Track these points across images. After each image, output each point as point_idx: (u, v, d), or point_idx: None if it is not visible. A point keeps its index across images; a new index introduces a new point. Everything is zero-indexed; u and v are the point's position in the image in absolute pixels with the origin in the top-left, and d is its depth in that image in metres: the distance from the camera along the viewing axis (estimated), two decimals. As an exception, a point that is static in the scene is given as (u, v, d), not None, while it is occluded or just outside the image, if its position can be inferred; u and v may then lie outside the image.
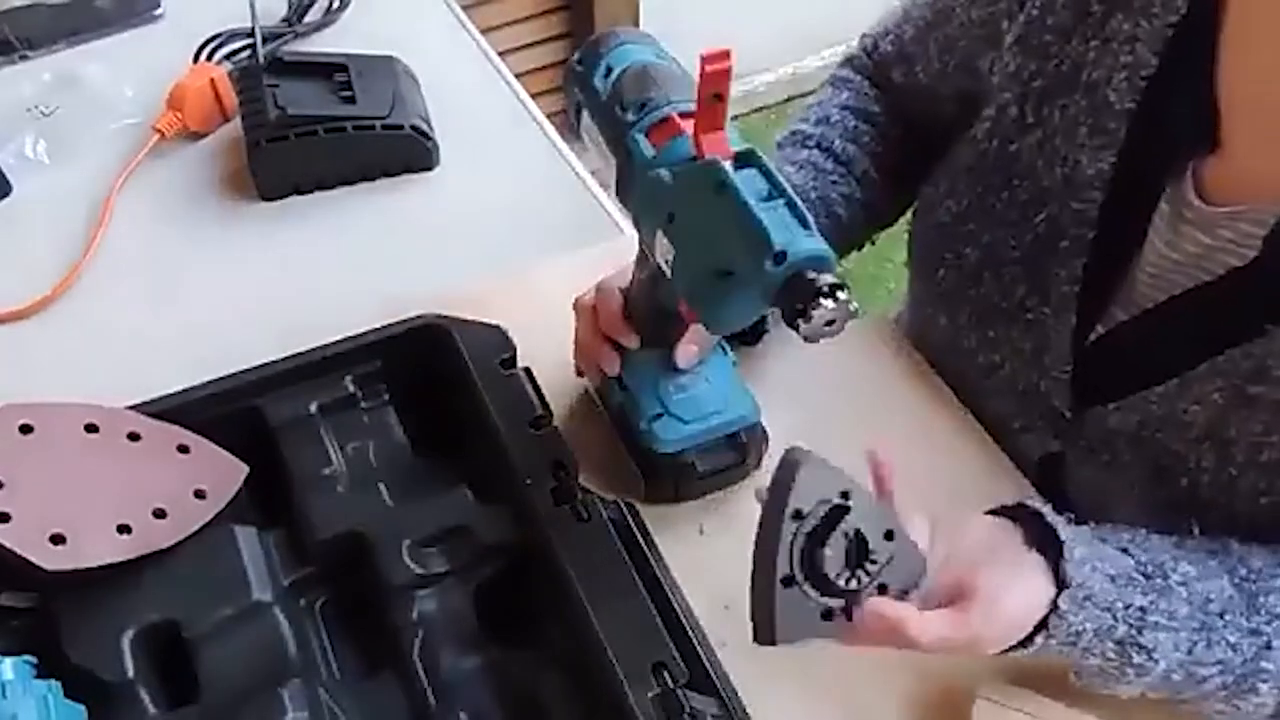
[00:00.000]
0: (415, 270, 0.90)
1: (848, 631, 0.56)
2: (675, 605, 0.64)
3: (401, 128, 0.96)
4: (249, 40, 1.01)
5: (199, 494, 0.67)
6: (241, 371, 0.73)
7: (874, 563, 0.55)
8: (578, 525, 0.66)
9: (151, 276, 0.91)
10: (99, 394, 0.70)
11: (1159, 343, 0.67)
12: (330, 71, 0.97)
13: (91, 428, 0.67)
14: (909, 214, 0.86)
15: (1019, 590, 0.58)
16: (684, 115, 0.60)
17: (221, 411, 0.72)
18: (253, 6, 1.00)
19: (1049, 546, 0.60)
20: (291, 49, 1.05)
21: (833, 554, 0.54)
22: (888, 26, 0.86)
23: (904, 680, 0.67)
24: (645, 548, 0.67)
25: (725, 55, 0.53)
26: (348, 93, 0.96)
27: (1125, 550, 0.61)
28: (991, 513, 0.64)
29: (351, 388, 0.75)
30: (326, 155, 0.95)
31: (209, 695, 0.62)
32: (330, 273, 0.91)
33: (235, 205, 0.96)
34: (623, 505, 0.69)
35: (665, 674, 0.60)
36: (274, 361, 0.73)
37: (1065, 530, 0.60)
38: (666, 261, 0.60)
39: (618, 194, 0.65)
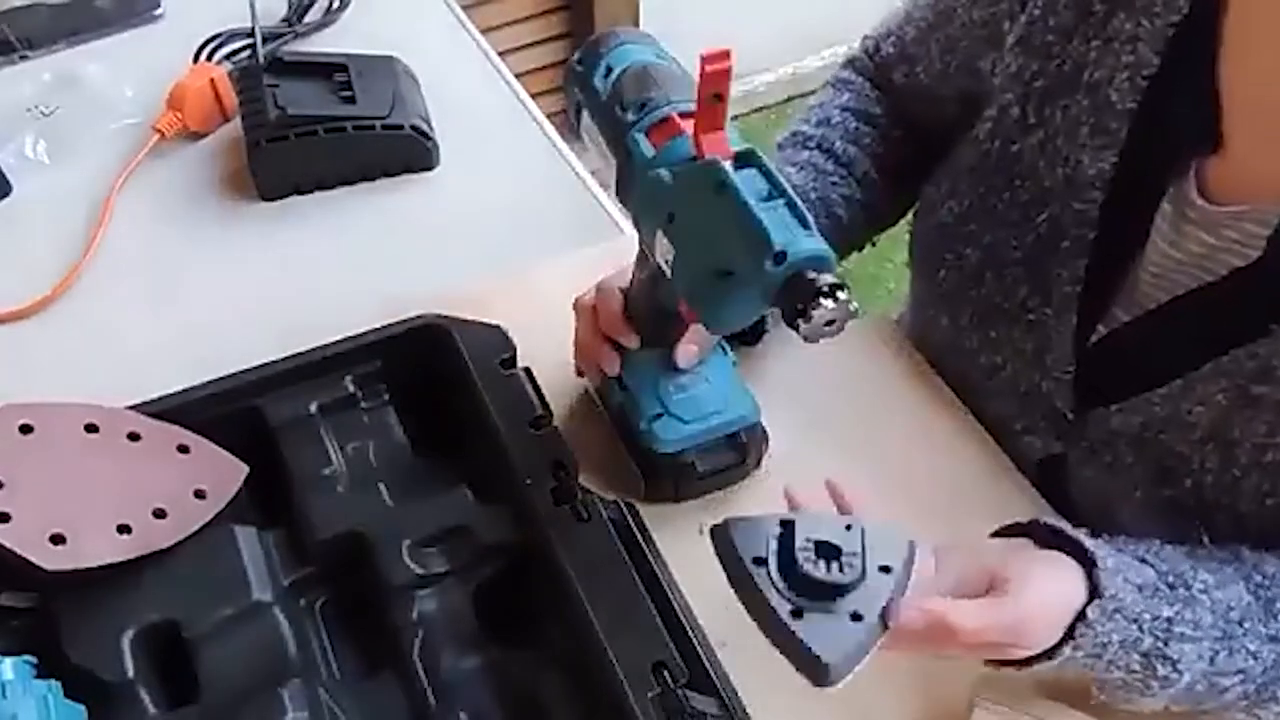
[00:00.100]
0: (415, 270, 0.90)
1: (891, 636, 0.55)
2: (675, 605, 0.64)
3: (401, 128, 0.96)
4: (249, 40, 1.01)
5: (199, 494, 0.67)
6: (241, 371, 0.73)
7: (851, 552, 0.55)
8: (578, 525, 0.66)
9: (151, 276, 0.91)
10: (99, 394, 0.70)
11: (1162, 343, 0.67)
12: (330, 71, 0.97)
13: (91, 428, 0.67)
14: (910, 215, 0.86)
15: (1053, 575, 0.58)
16: (684, 115, 0.60)
17: (221, 411, 0.72)
18: (253, 6, 1.00)
19: (1074, 556, 0.59)
20: (291, 49, 1.05)
21: (810, 566, 0.54)
22: (889, 28, 0.86)
23: (904, 683, 0.67)
24: (645, 548, 0.67)
25: (725, 55, 0.53)
26: (348, 93, 0.96)
27: (1144, 560, 0.60)
28: (1000, 532, 0.63)
29: (351, 388, 0.75)
30: (326, 155, 0.95)
31: (209, 695, 0.62)
32: (330, 273, 0.91)
33: (235, 205, 0.96)
34: (623, 505, 0.69)
35: (665, 674, 0.60)
36: (274, 361, 0.73)
37: (1090, 541, 0.59)
38: (666, 261, 0.60)
39: (618, 194, 0.65)
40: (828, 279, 0.49)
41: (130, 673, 0.62)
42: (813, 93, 0.90)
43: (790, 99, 2.44)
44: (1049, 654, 0.58)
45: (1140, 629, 0.58)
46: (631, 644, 0.61)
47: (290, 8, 1.09)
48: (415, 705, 0.63)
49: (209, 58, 1.03)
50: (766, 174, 0.55)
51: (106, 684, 0.61)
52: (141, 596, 0.64)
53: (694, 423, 0.72)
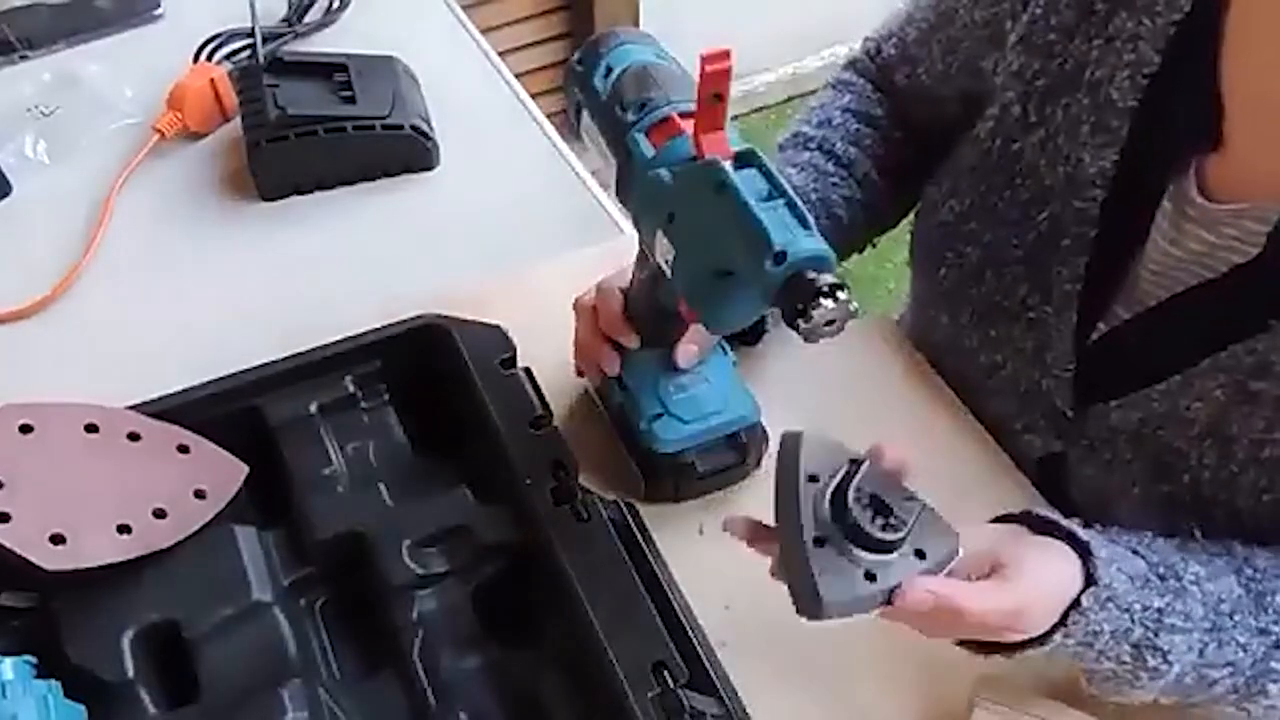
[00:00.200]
0: (415, 270, 0.90)
1: (897, 609, 0.55)
2: (675, 605, 0.64)
3: (401, 128, 0.96)
4: (249, 40, 1.01)
5: (199, 494, 0.67)
6: (241, 371, 0.73)
7: (901, 520, 0.54)
8: (578, 525, 0.66)
9: (151, 276, 0.91)
10: (99, 394, 0.70)
11: (1161, 340, 0.67)
12: (330, 71, 0.97)
13: (91, 428, 0.67)
14: (910, 215, 0.86)
15: (1053, 560, 0.58)
16: (684, 115, 0.60)
17: (221, 411, 0.72)
18: (253, 6, 1.00)
19: (1069, 544, 0.60)
20: (291, 49, 1.05)
21: (858, 509, 0.53)
22: (890, 29, 0.86)
23: (904, 680, 0.67)
24: (645, 548, 0.67)
25: (725, 55, 0.53)
26: (348, 93, 0.96)
27: (1136, 552, 0.61)
28: (994, 522, 0.63)
29: (351, 388, 0.75)
30: (326, 155, 0.95)
31: (209, 695, 0.62)
32: (330, 273, 0.91)
33: (235, 205, 0.96)
34: (623, 505, 0.69)
35: (665, 674, 0.60)
36: (274, 361, 0.73)
37: (1083, 531, 0.60)
38: (666, 261, 0.60)
39: (618, 194, 0.65)
40: (828, 279, 0.49)
41: (130, 673, 0.62)
42: (813, 93, 0.90)
43: (790, 99, 2.43)
44: (1040, 640, 0.58)
45: (1131, 619, 0.58)
46: (631, 644, 0.61)
47: (290, 8, 1.09)
48: (415, 705, 0.63)
49: (209, 58, 1.03)
50: (766, 174, 0.55)
51: (106, 684, 0.61)
52: (141, 596, 0.64)
53: (694, 423, 0.72)
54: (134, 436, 0.68)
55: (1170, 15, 0.64)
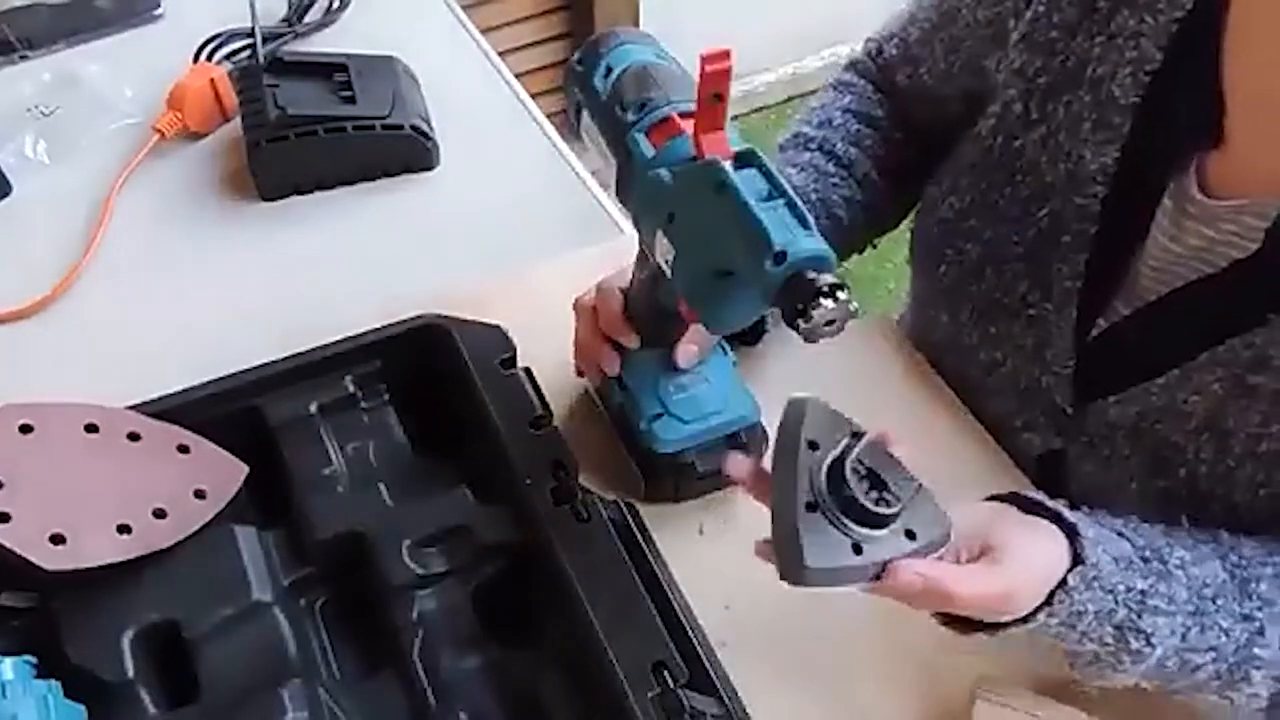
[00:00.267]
0: (415, 270, 0.90)
1: (886, 585, 0.54)
2: (675, 605, 0.64)
3: (401, 128, 0.96)
4: (249, 40, 1.01)
5: (199, 494, 0.67)
6: (241, 371, 0.73)
7: (895, 497, 0.54)
8: (578, 525, 0.66)
9: (151, 276, 0.91)
10: (99, 394, 0.70)
11: (1160, 335, 0.68)
12: (330, 71, 0.97)
13: (91, 428, 0.67)
14: (910, 215, 0.86)
15: (1041, 541, 0.58)
16: (684, 115, 0.60)
17: (221, 411, 0.72)
18: (253, 6, 1.00)
19: (1056, 524, 0.59)
20: (291, 49, 1.05)
21: (854, 480, 0.53)
22: (892, 30, 0.86)
23: (904, 680, 0.67)
24: (645, 548, 0.67)
25: (725, 55, 0.53)
26: (348, 93, 0.96)
27: (1121, 534, 0.61)
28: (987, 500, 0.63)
29: (351, 388, 0.75)
30: (326, 155, 0.95)
31: (209, 695, 0.62)
32: (330, 273, 0.91)
33: (235, 205, 0.96)
34: (623, 505, 0.69)
35: (665, 674, 0.60)
36: (274, 361, 0.73)
37: (1071, 513, 0.60)
38: (666, 261, 0.60)
39: (618, 194, 0.65)
40: (828, 279, 0.49)
41: (130, 673, 0.62)
42: (813, 93, 0.90)
43: (790, 99, 2.44)
44: (1025, 619, 0.58)
45: (1115, 600, 0.58)
46: (631, 644, 0.61)
47: (290, 8, 1.09)
48: (415, 705, 0.63)
49: (209, 58, 1.03)
50: (766, 174, 0.55)
51: (106, 684, 0.61)
52: (141, 596, 0.64)
53: (694, 423, 0.72)
54: (134, 436, 0.68)
55: (1172, 12, 0.64)
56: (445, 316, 0.76)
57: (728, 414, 0.72)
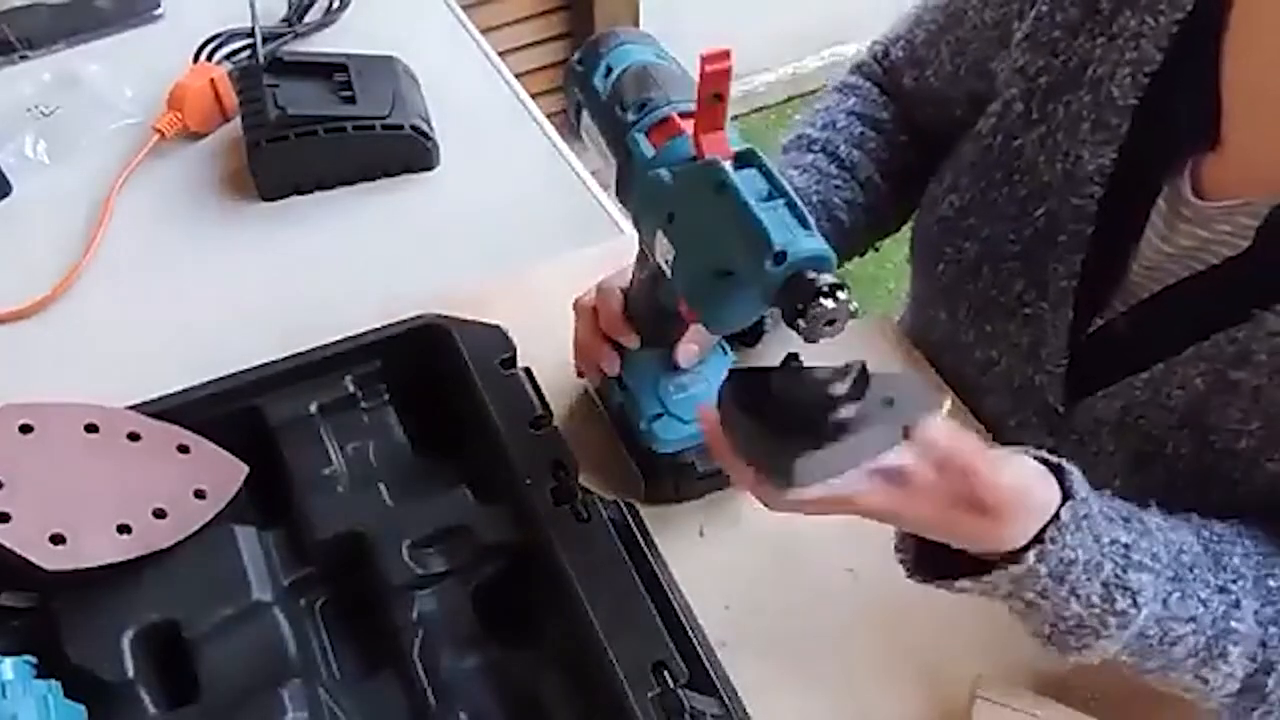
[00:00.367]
0: (415, 270, 0.90)
1: (910, 438, 0.52)
2: (675, 605, 0.64)
3: (401, 128, 0.96)
4: (249, 40, 1.01)
5: (199, 494, 0.67)
6: (241, 371, 0.73)
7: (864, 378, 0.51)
8: (578, 525, 0.66)
9: (151, 276, 0.91)
10: (99, 394, 0.70)
11: (1151, 332, 0.68)
12: (330, 71, 0.97)
13: (91, 428, 0.67)
14: (911, 218, 0.86)
15: (1030, 461, 0.56)
16: (684, 115, 0.60)
17: (221, 411, 0.72)
18: (253, 6, 1.00)
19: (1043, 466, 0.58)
20: (291, 49, 1.05)
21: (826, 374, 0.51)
22: (899, 32, 0.86)
23: (904, 680, 0.67)
24: (645, 548, 0.67)
25: (725, 55, 0.53)
26: (348, 93, 0.96)
27: (1100, 495, 0.59)
28: None
29: (351, 388, 0.75)
30: (326, 155, 0.95)
31: (209, 695, 0.62)
32: (330, 273, 0.91)
33: (235, 205, 0.96)
34: (623, 505, 0.69)
35: (665, 674, 0.60)
36: (274, 361, 0.73)
37: (1053, 457, 0.58)
38: (666, 261, 0.60)
39: (618, 194, 0.65)
40: (828, 279, 0.49)
41: (130, 673, 0.62)
42: (813, 93, 0.90)
43: (790, 99, 2.44)
44: (1014, 557, 0.55)
45: (1101, 552, 0.56)
46: (631, 644, 0.61)
47: (290, 8, 1.09)
48: (415, 705, 0.63)
49: (209, 58, 1.03)
50: (766, 174, 0.55)
51: (106, 684, 0.61)
52: (141, 596, 0.64)
53: (694, 423, 0.72)
54: (134, 436, 0.68)
55: (1174, 14, 0.64)
56: (445, 316, 0.76)
57: (728, 414, 0.72)
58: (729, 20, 1.94)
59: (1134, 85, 0.66)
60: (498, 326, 0.76)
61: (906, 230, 0.86)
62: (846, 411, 0.51)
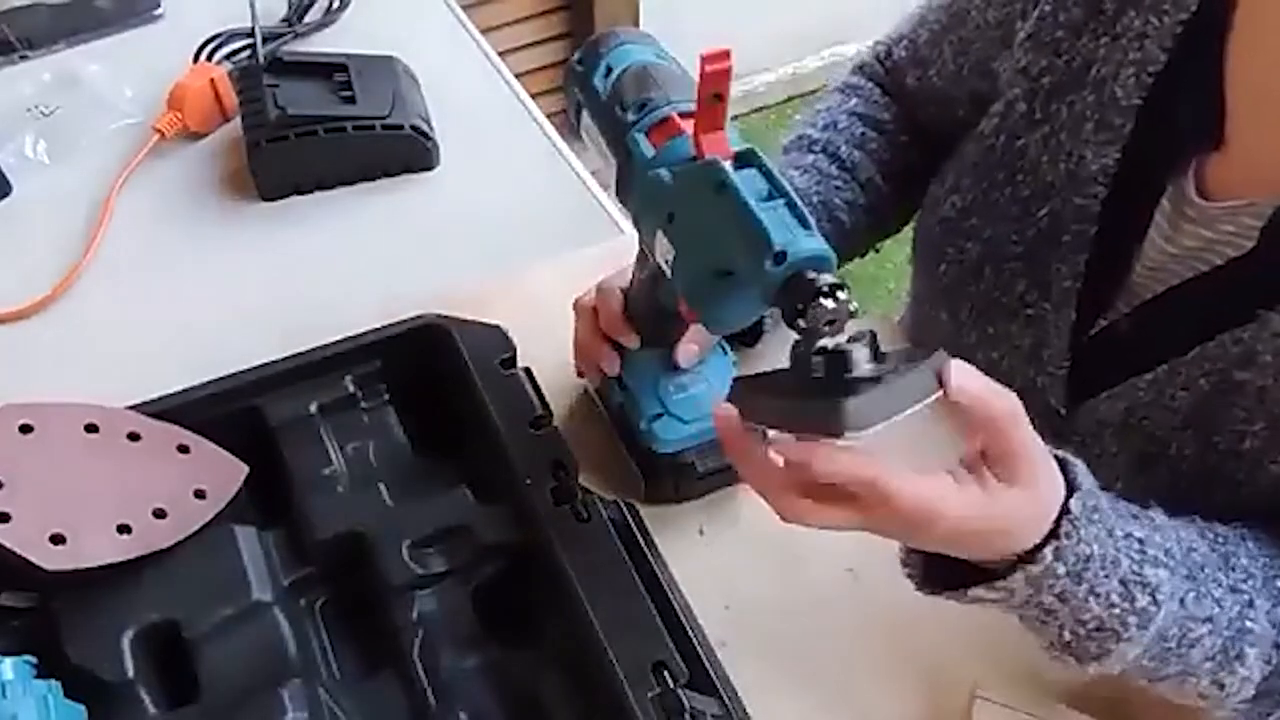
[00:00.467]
0: (415, 270, 0.90)
1: (947, 387, 0.49)
2: (675, 605, 0.64)
3: (401, 128, 0.96)
4: (249, 40, 1.01)
5: (199, 494, 0.67)
6: (241, 371, 0.73)
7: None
8: (578, 525, 0.66)
9: (151, 276, 0.91)
10: (99, 394, 0.70)
11: (1154, 333, 0.68)
12: (330, 71, 0.97)
13: (91, 428, 0.67)
14: (912, 219, 0.86)
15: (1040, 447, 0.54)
16: (684, 115, 0.60)
17: (221, 411, 0.72)
18: (253, 6, 1.00)
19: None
20: (291, 49, 1.05)
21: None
22: (901, 32, 0.86)
23: (904, 681, 0.67)
24: (645, 548, 0.67)
25: (725, 55, 0.53)
26: (348, 93, 0.96)
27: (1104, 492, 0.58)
28: None
29: (351, 388, 0.75)
30: (326, 155, 0.95)
31: (209, 695, 0.62)
32: (330, 273, 0.91)
33: (235, 205, 0.96)
34: (623, 505, 0.69)
35: (665, 674, 0.60)
36: (274, 361, 0.73)
37: (1058, 451, 0.56)
38: (666, 261, 0.60)
39: (618, 194, 0.65)
40: (827, 279, 0.49)
41: (130, 673, 0.62)
42: (813, 93, 0.91)
43: (790, 99, 2.44)
44: (1030, 557, 0.54)
45: (1115, 546, 0.55)
46: (631, 644, 0.61)
47: (290, 8, 1.09)
48: (415, 705, 0.63)
49: (209, 58, 1.03)
50: (766, 174, 0.55)
51: (106, 684, 0.61)
52: (141, 596, 0.64)
53: (694, 423, 0.72)
54: (134, 436, 0.68)
55: (1178, 14, 0.64)
56: (445, 316, 0.76)
57: (728, 414, 0.72)
58: (729, 20, 1.94)
59: (1138, 85, 0.66)
60: (498, 326, 0.76)
61: (907, 230, 0.86)
62: (868, 363, 0.49)
